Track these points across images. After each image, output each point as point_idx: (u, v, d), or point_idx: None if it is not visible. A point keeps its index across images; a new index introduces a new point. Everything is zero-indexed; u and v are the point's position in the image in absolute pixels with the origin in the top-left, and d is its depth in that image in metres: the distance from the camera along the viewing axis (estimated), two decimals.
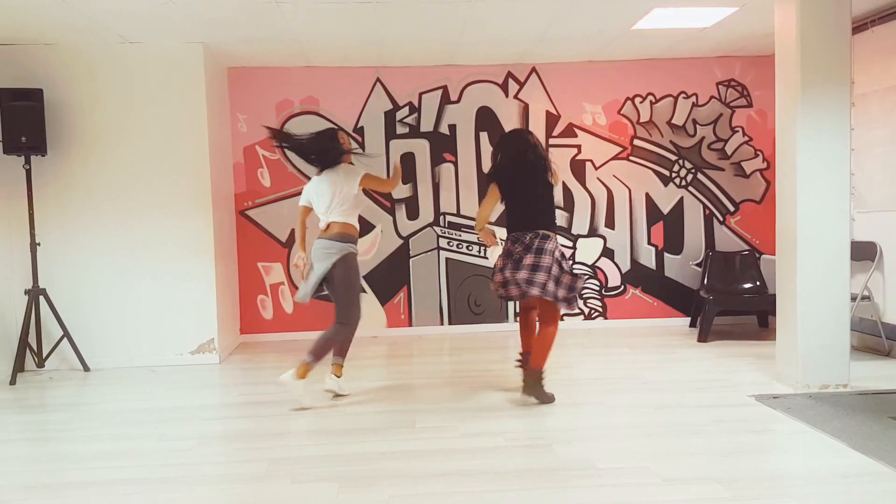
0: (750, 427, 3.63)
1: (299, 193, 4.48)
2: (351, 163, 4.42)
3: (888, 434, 3.42)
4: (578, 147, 6.50)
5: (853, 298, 4.85)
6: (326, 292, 4.29)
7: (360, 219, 4.42)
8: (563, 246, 4.24)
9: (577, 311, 4.12)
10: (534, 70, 6.44)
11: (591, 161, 6.51)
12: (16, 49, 5.32)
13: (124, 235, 5.47)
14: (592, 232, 6.55)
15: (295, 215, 4.55)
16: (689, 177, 6.56)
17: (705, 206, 6.58)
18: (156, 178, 5.48)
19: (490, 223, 4.35)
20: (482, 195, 6.36)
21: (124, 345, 5.49)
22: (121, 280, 5.48)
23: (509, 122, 6.43)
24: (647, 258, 6.60)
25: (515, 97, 6.45)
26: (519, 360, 4.50)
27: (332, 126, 4.70)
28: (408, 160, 6.41)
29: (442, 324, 6.51)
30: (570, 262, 4.08)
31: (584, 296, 6.56)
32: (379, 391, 4.54)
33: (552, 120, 6.48)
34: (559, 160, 6.47)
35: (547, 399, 4.15)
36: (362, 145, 6.35)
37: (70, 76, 5.38)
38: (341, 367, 4.35)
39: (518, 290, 4.04)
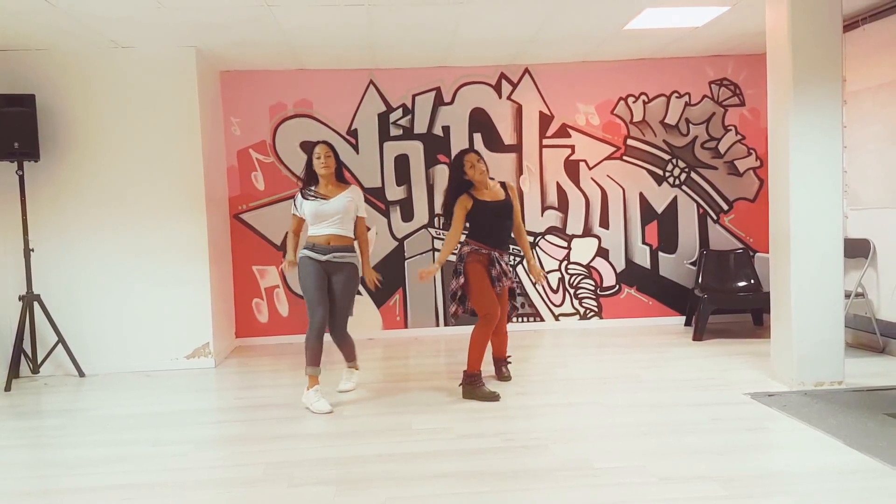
0: (745, 425, 3.64)
1: (293, 196, 4.49)
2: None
3: (883, 431, 3.43)
4: (572, 147, 6.51)
5: (847, 295, 4.88)
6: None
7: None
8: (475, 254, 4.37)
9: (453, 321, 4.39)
10: (527, 71, 6.45)
11: (584, 161, 6.52)
12: (8, 55, 5.31)
13: (118, 240, 5.45)
14: (587, 232, 6.56)
15: (288, 218, 4.55)
16: (683, 176, 6.57)
17: (699, 205, 6.60)
18: (149, 182, 5.47)
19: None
20: None
21: (119, 350, 5.47)
22: (115, 285, 5.46)
23: (503, 123, 6.44)
24: (642, 257, 6.62)
25: (509, 98, 6.46)
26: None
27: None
28: (402, 162, 6.42)
29: (437, 325, 6.51)
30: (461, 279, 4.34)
31: (580, 295, 6.59)
32: (375, 393, 4.54)
33: (545, 120, 6.49)
34: (553, 161, 6.50)
35: (485, 398, 4.21)
36: (356, 148, 6.36)
37: (63, 81, 5.37)
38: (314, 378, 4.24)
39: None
